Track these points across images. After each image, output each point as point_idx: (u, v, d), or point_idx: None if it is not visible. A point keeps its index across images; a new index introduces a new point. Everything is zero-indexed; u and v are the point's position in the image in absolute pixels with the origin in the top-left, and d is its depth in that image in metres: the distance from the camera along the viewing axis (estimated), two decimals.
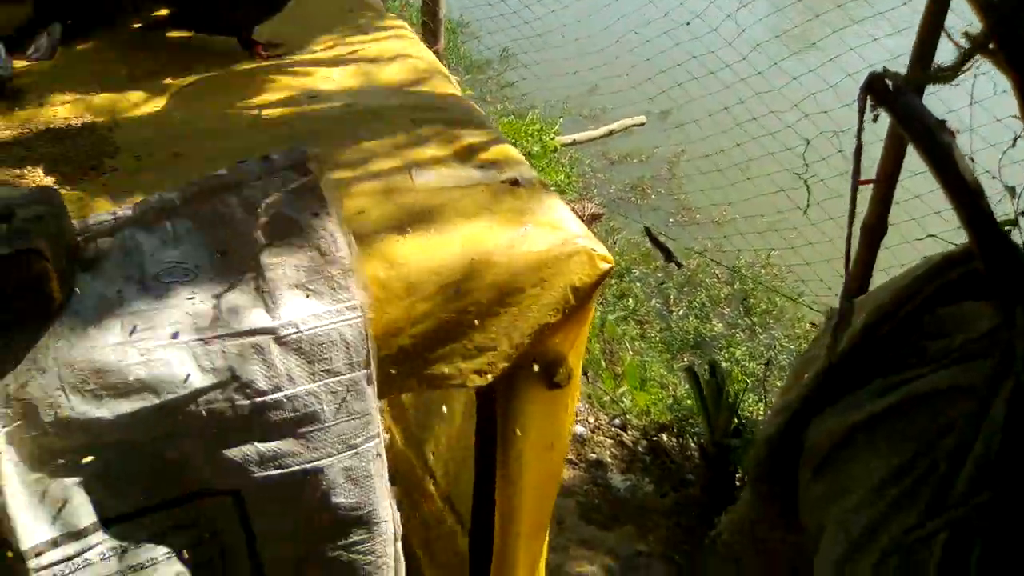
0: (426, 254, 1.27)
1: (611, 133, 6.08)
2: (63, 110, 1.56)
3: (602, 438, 3.29)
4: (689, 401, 3.36)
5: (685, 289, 4.71)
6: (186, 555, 1.23)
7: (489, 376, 1.33)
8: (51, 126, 1.51)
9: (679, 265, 3.95)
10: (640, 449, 3.25)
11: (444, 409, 2.15)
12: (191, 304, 1.14)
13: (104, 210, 1.24)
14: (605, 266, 1.36)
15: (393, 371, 1.26)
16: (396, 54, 1.88)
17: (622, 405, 3.53)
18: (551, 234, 1.34)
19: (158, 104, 1.64)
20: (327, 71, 1.76)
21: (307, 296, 1.17)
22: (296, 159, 1.22)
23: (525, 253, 1.31)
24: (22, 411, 1.07)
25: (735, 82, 4.20)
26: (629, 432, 3.36)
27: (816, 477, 1.28)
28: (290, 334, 1.15)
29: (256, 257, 1.17)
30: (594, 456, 3.18)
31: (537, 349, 1.37)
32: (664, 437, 3.33)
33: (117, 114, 1.58)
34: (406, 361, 1.27)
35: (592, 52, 5.21)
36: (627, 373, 3.66)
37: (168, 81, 1.71)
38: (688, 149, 5.50)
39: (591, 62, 5.26)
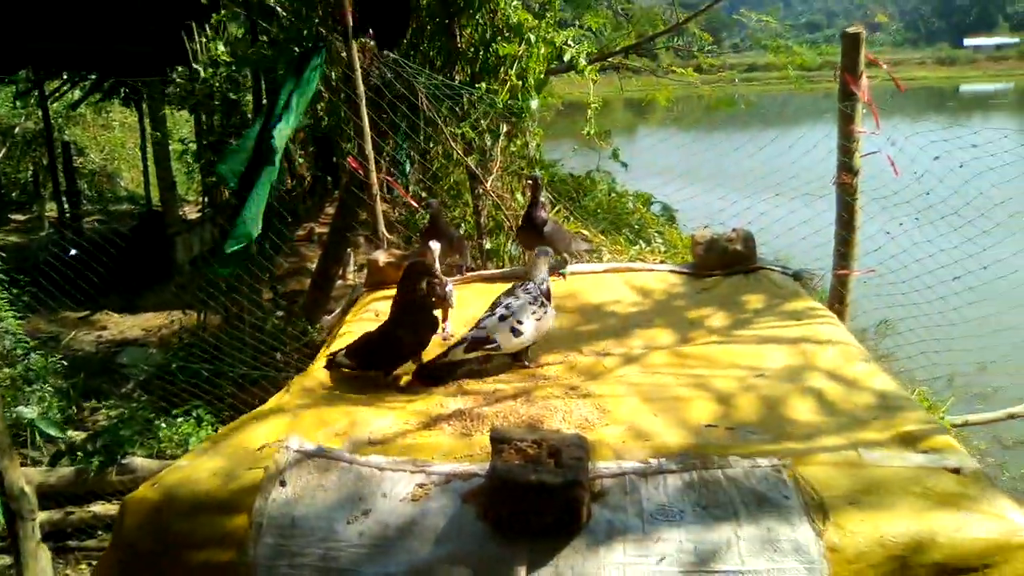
0: (873, 525, 1.42)
1: (1011, 417, 5.61)
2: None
3: None
4: None
5: None
6: None
7: None
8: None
9: None
10: None
11: None
12: (677, 541, 1.41)
13: (603, 459, 1.59)
14: None
15: None
16: (827, 339, 2.13)
17: None
18: (996, 523, 1.42)
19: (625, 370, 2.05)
20: (769, 350, 2.05)
21: (772, 554, 1.39)
22: (778, 465, 1.54)
23: (971, 539, 1.40)
24: None
25: None
26: None
27: None
28: None
29: (737, 520, 1.43)
30: None
31: None
32: None
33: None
34: None
35: (984, 333, 4.99)
36: None
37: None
38: None
39: (984, 341, 5.01)
